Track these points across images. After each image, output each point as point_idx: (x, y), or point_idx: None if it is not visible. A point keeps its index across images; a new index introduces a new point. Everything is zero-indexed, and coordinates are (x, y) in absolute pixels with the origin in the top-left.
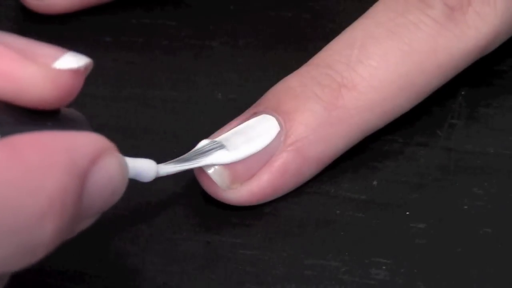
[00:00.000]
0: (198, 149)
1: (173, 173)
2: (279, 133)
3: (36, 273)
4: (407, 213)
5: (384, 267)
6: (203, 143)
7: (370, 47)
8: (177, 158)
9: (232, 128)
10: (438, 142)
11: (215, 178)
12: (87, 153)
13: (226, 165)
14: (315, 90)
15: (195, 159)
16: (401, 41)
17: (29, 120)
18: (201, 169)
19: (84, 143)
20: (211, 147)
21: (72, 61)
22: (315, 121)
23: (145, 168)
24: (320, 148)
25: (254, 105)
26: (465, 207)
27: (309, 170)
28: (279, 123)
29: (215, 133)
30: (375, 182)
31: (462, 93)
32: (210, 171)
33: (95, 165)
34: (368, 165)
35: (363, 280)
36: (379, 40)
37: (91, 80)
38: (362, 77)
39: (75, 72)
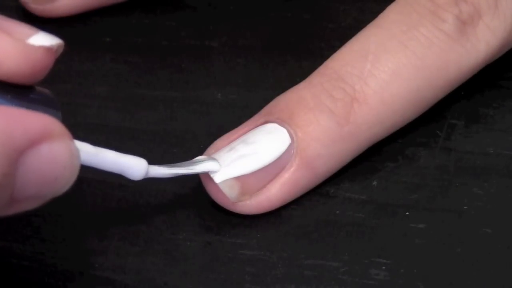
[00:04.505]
0: (192, 160)
1: (163, 176)
2: (290, 146)
3: (36, 273)
4: (407, 213)
5: (384, 267)
6: (198, 157)
7: (383, 61)
8: (171, 164)
9: (241, 135)
10: (438, 142)
11: (225, 190)
12: (28, 133)
13: (237, 178)
14: (328, 103)
15: (187, 166)
16: (414, 55)
17: None
18: (211, 179)
19: (29, 122)
20: (204, 159)
21: (45, 39)
22: (328, 137)
23: (132, 165)
24: (330, 164)
25: (264, 112)
26: (465, 207)
27: (317, 182)
28: (291, 136)
29: (223, 137)
30: (375, 182)
31: (462, 93)
32: (220, 182)
33: (35, 147)
34: (368, 165)
35: (362, 280)
36: (392, 53)
37: (91, 80)
38: (374, 91)
39: (47, 49)
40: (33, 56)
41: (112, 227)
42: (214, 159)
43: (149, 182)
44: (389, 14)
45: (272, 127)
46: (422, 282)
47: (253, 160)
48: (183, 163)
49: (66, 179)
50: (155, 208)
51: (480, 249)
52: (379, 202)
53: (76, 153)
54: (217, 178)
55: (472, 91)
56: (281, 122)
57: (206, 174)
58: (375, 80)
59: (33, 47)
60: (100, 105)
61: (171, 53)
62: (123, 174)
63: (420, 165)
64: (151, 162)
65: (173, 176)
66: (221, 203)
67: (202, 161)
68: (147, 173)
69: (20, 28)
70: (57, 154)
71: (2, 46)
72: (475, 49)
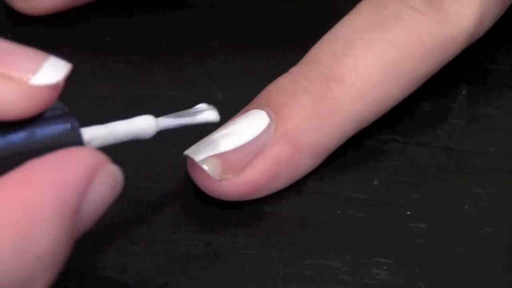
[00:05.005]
0: (193, 108)
1: (170, 127)
2: (269, 125)
3: None
4: (408, 212)
5: (384, 267)
6: (199, 105)
7: (355, 39)
8: (173, 114)
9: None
10: (438, 141)
11: (206, 167)
12: (78, 184)
13: (217, 155)
14: (304, 83)
15: (190, 115)
16: (383, 30)
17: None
18: (194, 164)
19: (72, 171)
20: (204, 108)
21: (50, 75)
22: (305, 112)
23: (143, 127)
24: (311, 137)
25: (246, 106)
26: (466, 206)
27: (303, 159)
28: (269, 116)
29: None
30: (375, 182)
31: (463, 92)
32: (200, 160)
33: (87, 191)
34: (368, 165)
35: (363, 280)
36: (363, 31)
37: (91, 80)
38: (349, 68)
39: (53, 87)
40: (36, 98)
41: (113, 226)
42: (213, 107)
43: (149, 181)
44: (361, 3)
45: (251, 111)
46: (423, 282)
47: (232, 138)
48: (185, 111)
49: (116, 195)
50: (156, 208)
51: (481, 249)
52: (380, 202)
53: (117, 170)
54: (197, 157)
55: (472, 90)
56: (260, 107)
57: (189, 161)
58: (348, 57)
59: (37, 89)
60: (101, 105)
61: (172, 52)
62: (136, 139)
63: (421, 164)
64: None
65: (178, 126)
66: (206, 186)
67: (202, 110)
68: (156, 128)
69: (22, 61)
70: (105, 185)
71: (6, 96)
72: (445, 20)
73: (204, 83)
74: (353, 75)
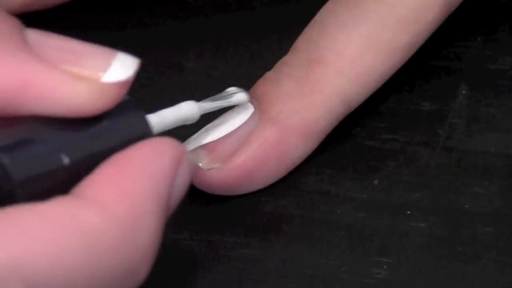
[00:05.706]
0: (225, 91)
1: (210, 110)
2: (253, 114)
3: None
4: (408, 212)
5: (385, 267)
6: (230, 88)
7: (328, 21)
8: (210, 97)
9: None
10: (439, 141)
11: (193, 158)
12: (169, 175)
13: (202, 146)
14: (286, 70)
15: (223, 99)
16: (355, 7)
17: (80, 133)
18: None
19: (163, 163)
20: (235, 91)
21: (120, 72)
22: (287, 95)
23: (189, 113)
24: (296, 117)
25: None
26: (466, 206)
27: (291, 141)
28: (254, 106)
29: None
30: (376, 182)
31: (463, 92)
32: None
33: (175, 178)
34: (369, 164)
35: (364, 280)
36: (335, 13)
37: None
38: (326, 48)
39: (124, 83)
40: (109, 94)
41: None
42: (243, 90)
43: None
44: None
45: (238, 106)
46: (423, 281)
47: (217, 129)
48: (219, 95)
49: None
50: None
51: (481, 249)
52: (380, 201)
53: (192, 161)
54: None
55: (473, 90)
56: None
57: None
58: (324, 38)
59: (108, 86)
60: None
61: (173, 52)
62: (183, 124)
63: (421, 164)
64: None
65: (216, 109)
66: (194, 177)
67: (234, 92)
68: (199, 113)
69: (92, 59)
70: (186, 174)
71: (79, 95)
72: None
73: (205, 83)
74: (331, 53)
